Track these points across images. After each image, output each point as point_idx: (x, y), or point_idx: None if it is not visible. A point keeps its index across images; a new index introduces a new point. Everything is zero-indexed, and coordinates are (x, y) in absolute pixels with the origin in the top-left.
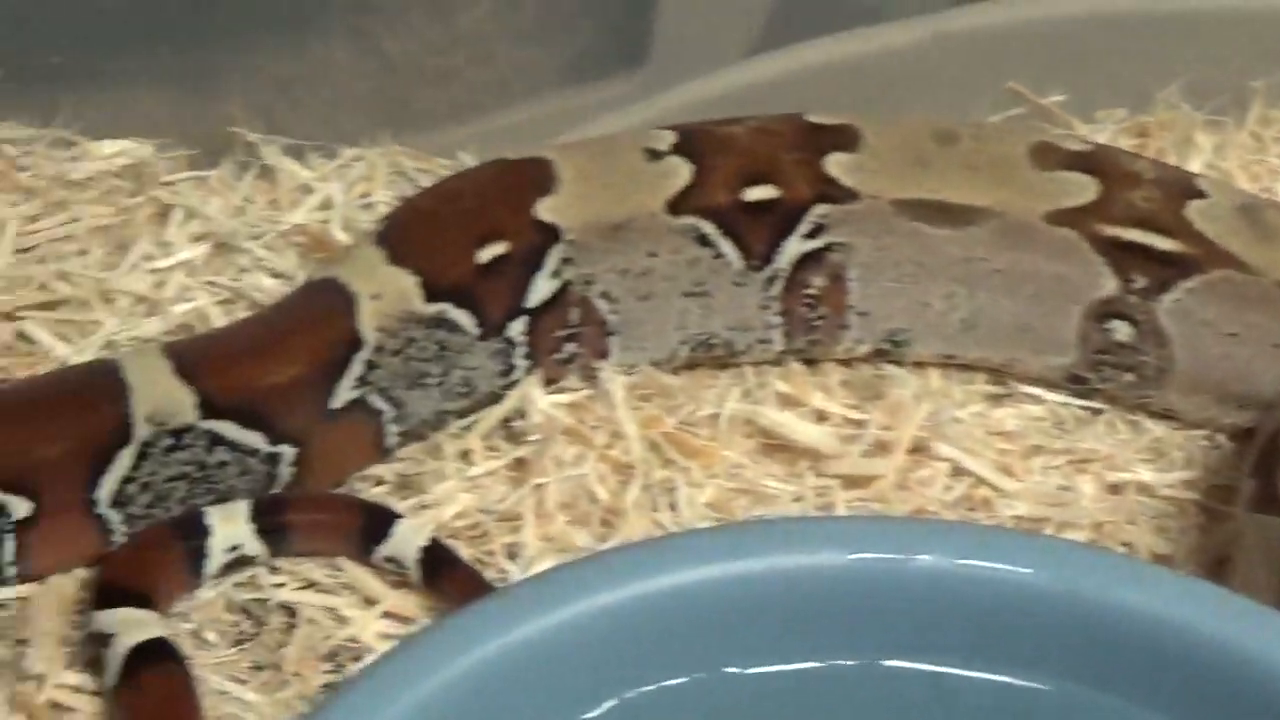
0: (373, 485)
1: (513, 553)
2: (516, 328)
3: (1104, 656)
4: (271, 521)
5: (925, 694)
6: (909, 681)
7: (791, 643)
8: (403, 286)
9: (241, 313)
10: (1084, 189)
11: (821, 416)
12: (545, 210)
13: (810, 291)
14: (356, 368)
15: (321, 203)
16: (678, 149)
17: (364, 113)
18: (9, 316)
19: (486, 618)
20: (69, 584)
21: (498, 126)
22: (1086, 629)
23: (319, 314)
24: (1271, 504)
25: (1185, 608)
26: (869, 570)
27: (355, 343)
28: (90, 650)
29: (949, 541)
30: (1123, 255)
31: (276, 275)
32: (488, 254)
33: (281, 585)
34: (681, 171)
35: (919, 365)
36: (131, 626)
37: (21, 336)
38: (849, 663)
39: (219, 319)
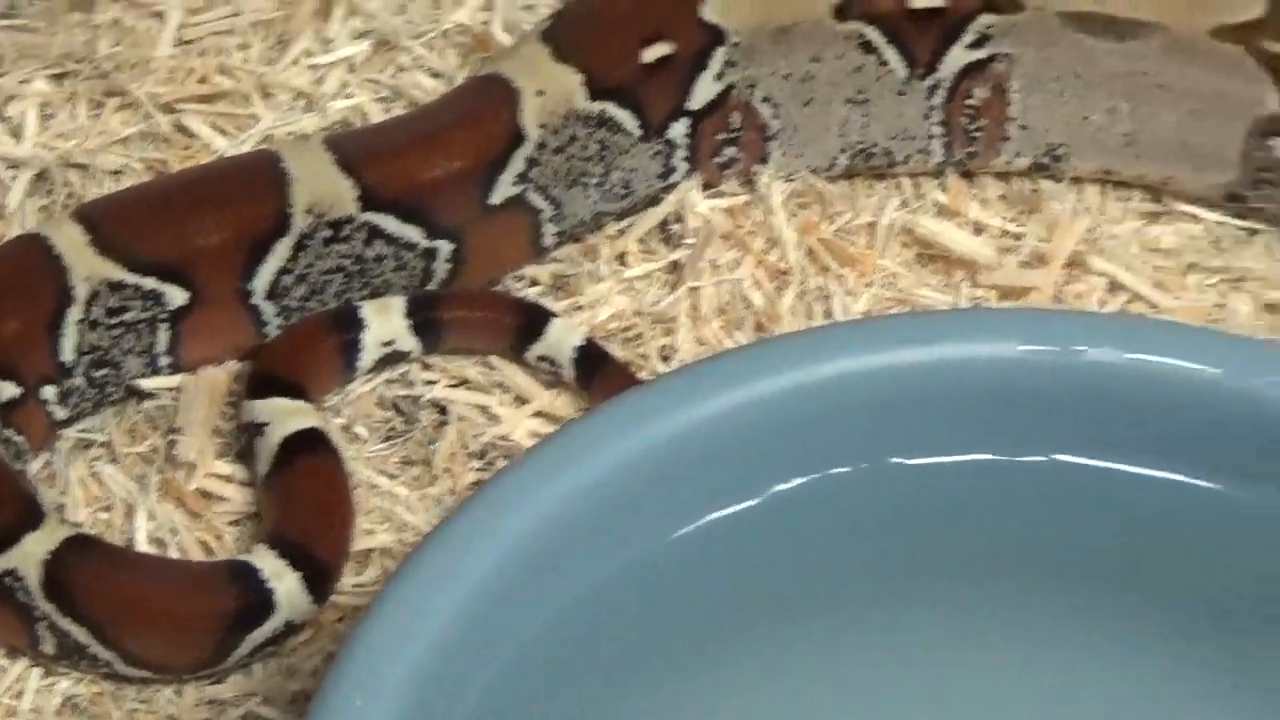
0: (527, 285)
1: (666, 355)
2: (678, 129)
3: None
4: (426, 317)
5: (1093, 490)
6: (1077, 476)
7: (958, 435)
8: (567, 84)
9: (400, 111)
10: (1251, 5)
11: (979, 228)
12: (711, 11)
13: (972, 102)
14: (518, 164)
15: (484, 3)
16: None
17: None
18: (168, 108)
19: (640, 407)
20: (222, 376)
21: None
22: (1264, 429)
23: (483, 108)
24: None
25: None
26: (1040, 362)
27: (518, 138)
28: (241, 441)
29: (1122, 335)
30: None
31: (436, 75)
32: (652, 54)
33: (434, 382)
34: None
35: (1076, 181)
36: (285, 416)
37: (180, 128)
38: (1016, 457)
39: (377, 116)
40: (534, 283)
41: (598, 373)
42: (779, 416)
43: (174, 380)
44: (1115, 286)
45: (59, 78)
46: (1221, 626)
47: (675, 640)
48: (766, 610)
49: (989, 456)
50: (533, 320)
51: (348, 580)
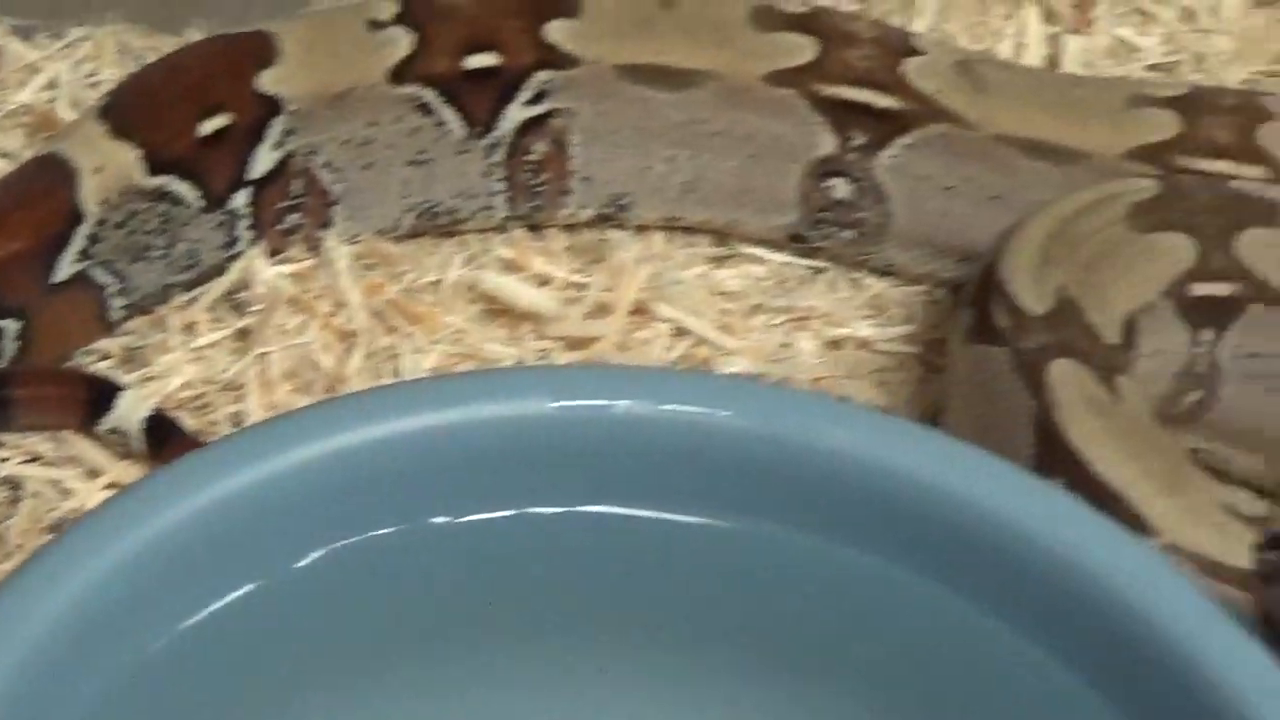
0: (98, 359)
1: (237, 422)
2: (240, 199)
3: (805, 497)
4: None
5: (627, 538)
6: (614, 526)
7: (496, 492)
8: (125, 160)
9: None
10: (802, 49)
11: (544, 281)
12: (267, 82)
13: (533, 158)
14: (78, 242)
15: (48, 82)
16: (400, 19)
17: None
18: None
19: (188, 473)
20: None
21: (228, 4)
22: (785, 469)
23: (40, 189)
24: (986, 334)
25: (886, 446)
26: (572, 417)
27: (76, 216)
28: None
29: (651, 387)
30: (841, 113)
31: (3, 155)
32: (210, 126)
33: (5, 460)
34: (403, 41)
35: (642, 229)
36: None
37: None
38: (550, 510)
39: None
40: (105, 356)
41: (167, 443)
42: (322, 479)
43: None
44: (681, 331)
45: None
46: (751, 661)
47: (232, 706)
48: (302, 681)
49: (527, 510)
50: (101, 394)
51: None
